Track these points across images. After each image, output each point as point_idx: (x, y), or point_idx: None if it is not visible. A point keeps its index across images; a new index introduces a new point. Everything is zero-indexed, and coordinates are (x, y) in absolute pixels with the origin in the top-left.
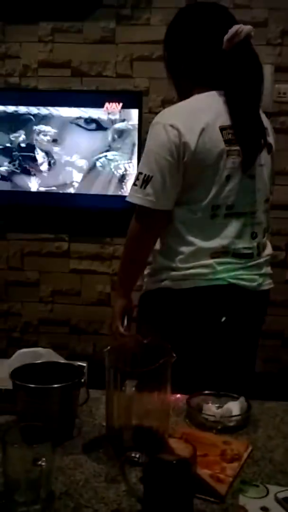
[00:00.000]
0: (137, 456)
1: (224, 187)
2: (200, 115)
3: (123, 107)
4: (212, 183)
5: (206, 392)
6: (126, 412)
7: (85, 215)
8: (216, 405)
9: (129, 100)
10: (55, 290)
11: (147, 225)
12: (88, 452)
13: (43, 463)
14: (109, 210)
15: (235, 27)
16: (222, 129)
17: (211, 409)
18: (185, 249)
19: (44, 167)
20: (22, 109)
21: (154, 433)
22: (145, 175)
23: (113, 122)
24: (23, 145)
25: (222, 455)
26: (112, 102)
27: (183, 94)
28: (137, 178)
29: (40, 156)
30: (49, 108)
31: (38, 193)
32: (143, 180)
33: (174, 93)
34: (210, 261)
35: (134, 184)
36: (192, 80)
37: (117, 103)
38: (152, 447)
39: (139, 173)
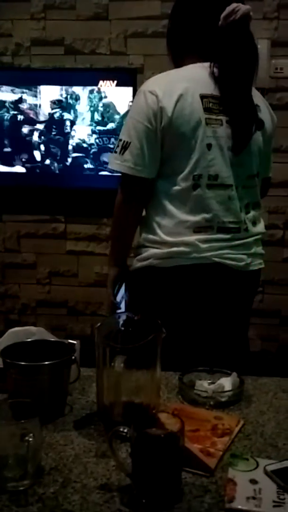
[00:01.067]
0: (126, 431)
1: (205, 156)
2: (180, 82)
3: (117, 85)
4: (192, 151)
5: (199, 368)
6: (116, 388)
7: (81, 195)
8: (209, 381)
9: (123, 77)
10: (52, 271)
11: (129, 192)
12: (79, 428)
13: (31, 439)
14: (105, 190)
15: (232, 6)
16: (202, 97)
17: (204, 385)
18: (167, 221)
19: (40, 148)
20: (16, 90)
21: (144, 409)
22: (124, 141)
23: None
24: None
25: (213, 430)
26: (106, 80)
27: (178, 65)
28: (117, 145)
29: (35, 136)
30: (39, 87)
31: (33, 174)
32: (121, 147)
33: (168, 68)
34: (193, 238)
35: (114, 151)
36: (186, 51)
37: (111, 81)
38: (141, 422)
39: (119, 140)
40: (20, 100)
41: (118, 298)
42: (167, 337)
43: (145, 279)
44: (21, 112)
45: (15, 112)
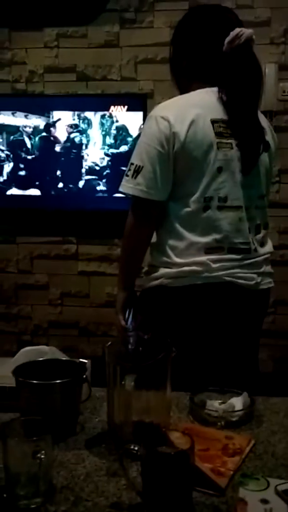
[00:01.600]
0: (136, 448)
1: (216, 178)
2: (191, 107)
3: (128, 110)
4: (203, 174)
5: (210, 388)
6: (127, 408)
7: (92, 217)
8: (219, 401)
9: (134, 102)
10: (64, 292)
11: (140, 215)
12: (90, 447)
13: (42, 456)
14: (115, 211)
15: (236, 30)
16: (213, 121)
17: (214, 404)
18: (178, 243)
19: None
20: (29, 115)
21: (155, 427)
22: (136, 165)
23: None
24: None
25: (224, 450)
26: (117, 105)
27: (183, 91)
28: (128, 169)
29: (49, 160)
30: (52, 112)
31: (46, 196)
32: (134, 171)
33: (177, 93)
34: (204, 258)
35: (126, 175)
36: (191, 77)
37: (122, 106)
38: (151, 441)
39: (131, 164)
40: (35, 126)
41: (128, 322)
42: (177, 356)
43: (156, 299)
44: (35, 137)
45: (30, 137)
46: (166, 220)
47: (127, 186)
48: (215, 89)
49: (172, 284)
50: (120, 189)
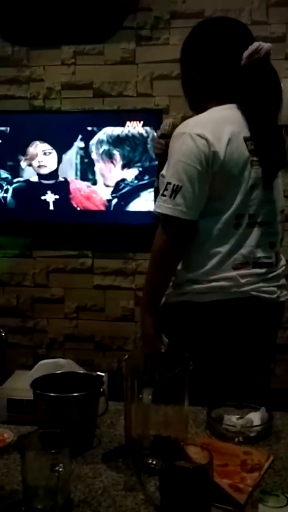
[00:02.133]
0: (154, 462)
1: (249, 196)
2: (224, 125)
3: (143, 125)
4: (237, 193)
5: (227, 403)
6: (144, 421)
7: (108, 231)
8: (237, 416)
9: (149, 118)
10: (79, 306)
11: (175, 236)
12: (108, 461)
13: (61, 469)
14: (131, 226)
15: (255, 44)
16: (246, 139)
17: (232, 419)
18: (208, 261)
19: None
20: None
21: (173, 442)
22: (174, 185)
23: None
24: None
25: (242, 465)
26: (133, 120)
27: (198, 107)
28: (165, 189)
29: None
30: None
31: (62, 210)
32: (172, 190)
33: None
34: (233, 273)
35: (163, 195)
36: (208, 94)
37: (138, 122)
38: (169, 455)
39: (168, 183)
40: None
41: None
42: (195, 370)
43: (180, 314)
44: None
45: (45, 153)
46: (195, 236)
47: (165, 207)
48: (237, 106)
49: (199, 300)
50: (157, 209)
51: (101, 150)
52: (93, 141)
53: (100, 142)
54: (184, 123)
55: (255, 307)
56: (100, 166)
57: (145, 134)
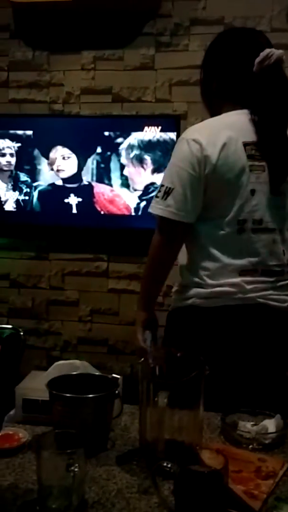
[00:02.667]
0: (169, 465)
1: (249, 201)
2: (223, 130)
3: (161, 131)
4: (236, 197)
5: (242, 409)
6: (159, 425)
7: (123, 235)
8: (252, 422)
9: (167, 123)
10: (93, 309)
11: (168, 236)
12: (122, 464)
13: (76, 469)
14: (146, 230)
15: (266, 51)
16: (245, 144)
17: (247, 426)
18: (211, 264)
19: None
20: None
21: (187, 446)
22: (167, 187)
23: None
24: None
25: (256, 472)
26: (151, 126)
27: (214, 113)
28: (159, 190)
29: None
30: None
31: (79, 214)
32: (164, 192)
33: (208, 115)
34: (238, 279)
35: (156, 196)
36: (223, 99)
37: (155, 127)
38: (184, 459)
39: (161, 185)
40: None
41: (148, 343)
42: (208, 376)
43: (187, 318)
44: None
45: (64, 157)
46: (198, 241)
47: (156, 208)
48: (247, 110)
49: (204, 305)
50: (150, 210)
51: (131, 155)
52: (123, 145)
53: (131, 147)
54: (187, 129)
55: (262, 314)
56: (129, 170)
57: (162, 140)
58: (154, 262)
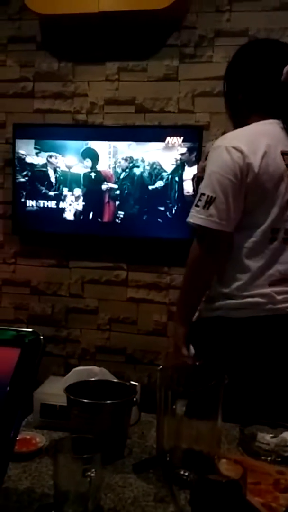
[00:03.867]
0: (186, 474)
1: (284, 210)
2: (261, 138)
3: (183, 141)
4: (273, 206)
5: (261, 421)
6: (177, 433)
7: (143, 244)
8: (271, 434)
9: (190, 134)
10: (112, 318)
11: (209, 247)
12: (138, 472)
13: (93, 474)
14: (166, 239)
15: None
16: (283, 153)
17: (266, 438)
18: (242, 276)
19: (106, 198)
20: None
21: (205, 456)
22: (208, 196)
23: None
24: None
25: (275, 484)
26: (174, 136)
27: (240, 123)
28: (199, 199)
29: (104, 188)
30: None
31: (99, 222)
32: (205, 201)
33: (231, 125)
34: (268, 290)
35: (196, 205)
36: (249, 109)
37: (178, 137)
38: (201, 469)
39: (202, 194)
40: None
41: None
42: (228, 387)
43: (214, 329)
44: (92, 168)
45: (87, 168)
46: (230, 250)
47: (197, 217)
48: (277, 120)
49: (233, 315)
50: (190, 220)
51: (139, 165)
52: (138, 155)
53: (139, 156)
54: (221, 137)
55: None
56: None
57: (185, 150)
58: (194, 273)
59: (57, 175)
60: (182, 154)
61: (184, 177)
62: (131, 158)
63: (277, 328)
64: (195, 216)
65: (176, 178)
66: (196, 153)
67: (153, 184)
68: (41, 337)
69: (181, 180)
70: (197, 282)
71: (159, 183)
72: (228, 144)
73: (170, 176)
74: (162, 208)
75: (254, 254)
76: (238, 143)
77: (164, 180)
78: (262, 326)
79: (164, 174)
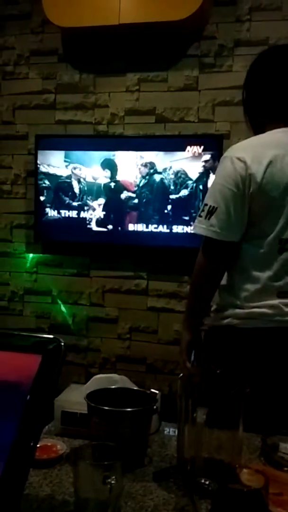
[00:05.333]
0: (207, 483)
1: None
2: (268, 148)
3: (204, 150)
4: (280, 216)
5: (282, 431)
6: (197, 442)
7: (163, 253)
8: None
9: (210, 143)
10: (132, 327)
11: (212, 256)
12: (158, 480)
13: (113, 481)
14: (186, 248)
15: None
16: None
17: None
18: (250, 286)
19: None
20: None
21: (226, 465)
22: (210, 206)
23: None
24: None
25: None
26: (194, 145)
27: (258, 132)
28: (202, 209)
29: (124, 198)
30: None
31: (119, 231)
32: (207, 211)
33: (252, 134)
34: (276, 301)
35: (199, 215)
36: (266, 118)
37: (198, 146)
38: (223, 478)
39: (205, 205)
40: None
41: (191, 364)
42: (249, 397)
43: (224, 338)
44: (111, 178)
45: (107, 178)
46: (238, 260)
47: (199, 227)
48: None
49: (240, 325)
50: (193, 230)
51: (161, 174)
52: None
53: (160, 166)
54: (230, 147)
55: None
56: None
57: (205, 160)
58: (200, 282)
59: (80, 186)
60: (205, 162)
61: (208, 186)
62: (152, 166)
63: (284, 340)
64: (198, 226)
65: (201, 187)
66: (217, 162)
67: (177, 193)
68: (62, 343)
69: (205, 189)
70: (200, 290)
71: (183, 192)
72: (233, 154)
73: (194, 185)
74: (187, 218)
75: (262, 264)
76: (242, 153)
77: (189, 188)
78: (270, 338)
79: (189, 182)
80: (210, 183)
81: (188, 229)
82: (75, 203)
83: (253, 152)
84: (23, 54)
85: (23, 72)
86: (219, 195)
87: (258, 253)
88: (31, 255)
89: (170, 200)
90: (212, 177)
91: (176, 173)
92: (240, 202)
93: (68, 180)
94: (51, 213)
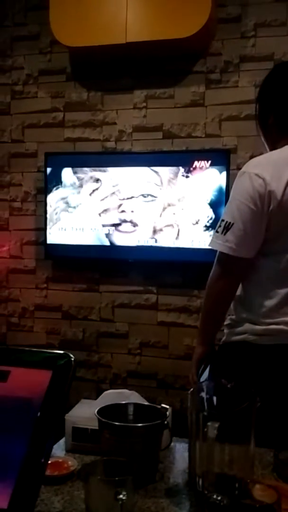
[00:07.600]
0: (219, 499)
1: None
2: (286, 165)
3: (211, 165)
4: None
5: None
6: (209, 457)
7: (173, 268)
8: None
9: (217, 158)
10: (143, 342)
11: (226, 271)
12: (170, 496)
13: (124, 497)
14: (196, 263)
15: None
16: None
17: None
18: (268, 302)
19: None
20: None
21: (238, 480)
22: (227, 222)
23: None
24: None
25: None
26: (201, 160)
27: (272, 146)
28: (219, 225)
29: (132, 212)
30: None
31: (128, 246)
32: (224, 227)
33: (263, 149)
34: None
35: (216, 231)
36: (279, 133)
37: (205, 161)
38: (234, 494)
39: (221, 220)
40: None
41: (202, 379)
42: (260, 412)
43: (238, 354)
44: (119, 192)
45: (114, 192)
46: (256, 276)
47: (216, 242)
48: None
49: (257, 342)
50: (209, 245)
51: (165, 189)
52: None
53: (166, 181)
54: (247, 162)
55: None
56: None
57: (212, 175)
58: (213, 296)
59: (87, 201)
60: (213, 176)
61: (216, 200)
62: (160, 182)
63: None
64: (214, 241)
65: (208, 201)
66: (226, 176)
67: (186, 208)
68: (73, 359)
69: (212, 203)
70: (214, 305)
71: (192, 206)
72: (251, 170)
73: (202, 199)
74: (195, 232)
75: (280, 281)
76: (261, 170)
77: (197, 203)
78: (286, 354)
79: (197, 197)
80: (217, 197)
81: (197, 243)
82: (83, 219)
83: (272, 169)
84: (32, 74)
85: (32, 92)
86: (237, 211)
87: (275, 269)
88: (41, 271)
89: (175, 215)
90: (220, 191)
91: (184, 188)
92: (257, 219)
93: (75, 195)
94: (61, 229)
